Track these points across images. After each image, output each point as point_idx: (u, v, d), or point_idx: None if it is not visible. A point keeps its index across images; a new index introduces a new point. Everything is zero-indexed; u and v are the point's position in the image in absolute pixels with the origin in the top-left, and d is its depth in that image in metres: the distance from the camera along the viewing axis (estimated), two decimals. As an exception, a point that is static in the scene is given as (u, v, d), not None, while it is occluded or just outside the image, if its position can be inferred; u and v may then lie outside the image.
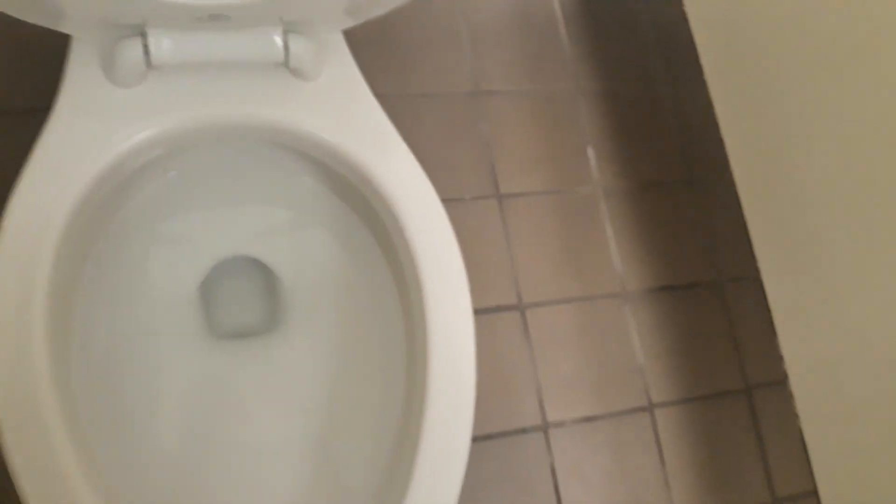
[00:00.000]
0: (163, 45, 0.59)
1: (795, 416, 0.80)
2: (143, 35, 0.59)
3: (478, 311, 0.98)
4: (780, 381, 1.01)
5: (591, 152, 1.10)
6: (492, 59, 1.09)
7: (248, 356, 0.71)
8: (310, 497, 0.65)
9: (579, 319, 1.01)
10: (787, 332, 0.80)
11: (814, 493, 1.00)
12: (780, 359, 0.81)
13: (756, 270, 1.02)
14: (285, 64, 0.63)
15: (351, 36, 0.72)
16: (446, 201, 1.04)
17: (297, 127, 0.65)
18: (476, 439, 0.93)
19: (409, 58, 1.06)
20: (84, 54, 0.61)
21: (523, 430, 0.95)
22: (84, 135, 0.60)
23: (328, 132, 0.65)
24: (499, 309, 0.99)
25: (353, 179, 0.68)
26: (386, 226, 0.68)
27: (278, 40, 0.62)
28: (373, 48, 1.04)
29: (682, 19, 1.16)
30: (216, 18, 0.58)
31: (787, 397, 0.78)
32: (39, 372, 0.54)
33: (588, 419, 0.98)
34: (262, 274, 0.75)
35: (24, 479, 0.50)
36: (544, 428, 0.96)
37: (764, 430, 1.04)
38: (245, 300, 0.75)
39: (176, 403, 0.67)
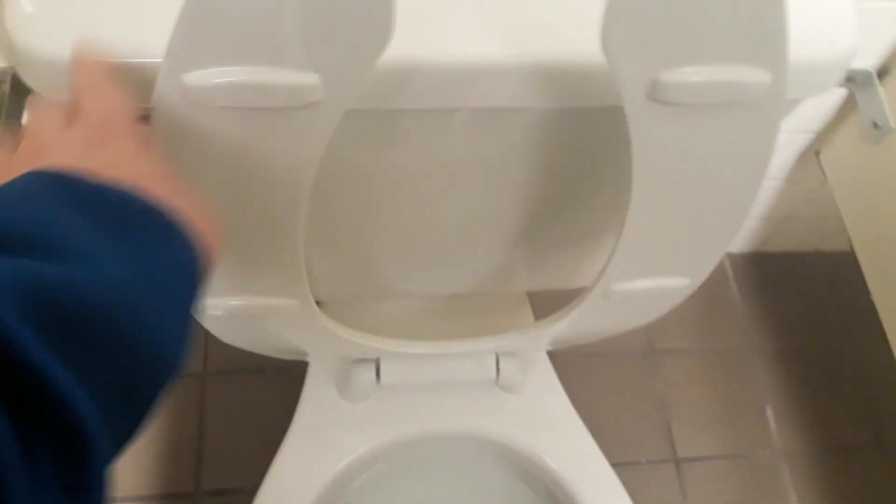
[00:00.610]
0: (392, 371, 0.66)
1: None
2: (377, 364, 0.66)
3: None
4: None
5: (769, 412, 1.08)
6: (665, 317, 1.12)
7: None
8: None
9: None
10: None
11: None
12: None
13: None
14: (495, 382, 0.69)
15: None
16: (621, 465, 1.03)
17: (500, 437, 0.70)
18: None
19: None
20: (320, 375, 0.70)
21: None
22: (318, 447, 0.67)
23: (528, 441, 0.69)
24: (680, 585, 0.96)
25: (547, 481, 0.71)
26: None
27: (491, 365, 0.68)
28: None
29: (857, 269, 1.15)
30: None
31: None
32: None
33: None
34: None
35: None
36: None
37: None
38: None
39: None
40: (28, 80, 0.41)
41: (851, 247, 1.02)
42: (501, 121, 0.47)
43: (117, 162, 0.30)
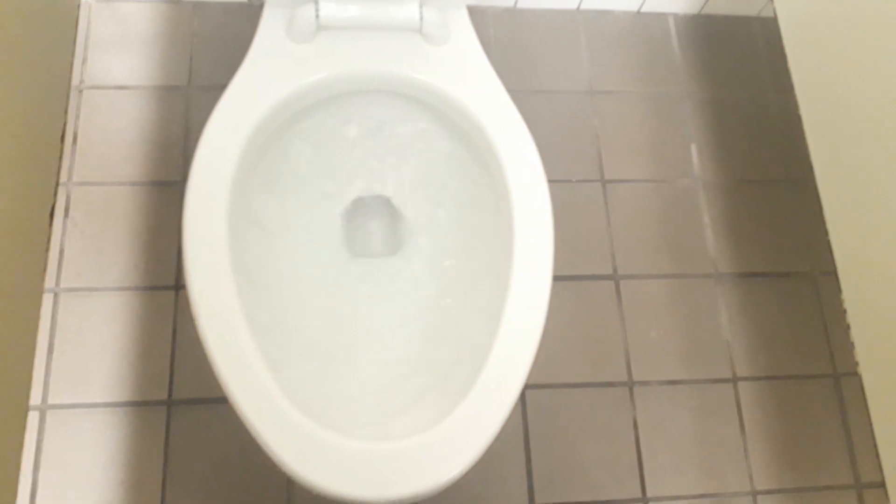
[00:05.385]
0: (329, 9, 0.78)
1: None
2: (316, 2, 0.78)
3: (575, 278, 1.11)
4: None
5: (694, 149, 1.20)
6: (607, 64, 1.23)
7: (375, 268, 0.88)
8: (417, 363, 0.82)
9: (671, 294, 1.11)
10: (858, 327, 0.84)
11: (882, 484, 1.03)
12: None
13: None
14: (419, 30, 0.81)
15: (483, 38, 0.89)
16: (555, 182, 1.17)
17: (423, 79, 0.82)
18: (564, 387, 1.05)
19: (532, 59, 1.22)
20: (273, 18, 0.82)
21: (610, 384, 1.06)
22: (266, 72, 0.80)
23: (448, 85, 0.82)
24: (595, 277, 1.11)
25: (459, 120, 0.84)
26: (489, 166, 0.83)
27: (415, 10, 0.79)
28: (501, 51, 1.21)
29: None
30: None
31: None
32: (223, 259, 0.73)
33: (672, 382, 1.07)
34: (388, 207, 0.93)
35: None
36: (630, 384, 1.06)
37: (851, 416, 1.08)
38: (374, 227, 0.93)
39: (320, 297, 0.85)
40: None
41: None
42: None
43: None
